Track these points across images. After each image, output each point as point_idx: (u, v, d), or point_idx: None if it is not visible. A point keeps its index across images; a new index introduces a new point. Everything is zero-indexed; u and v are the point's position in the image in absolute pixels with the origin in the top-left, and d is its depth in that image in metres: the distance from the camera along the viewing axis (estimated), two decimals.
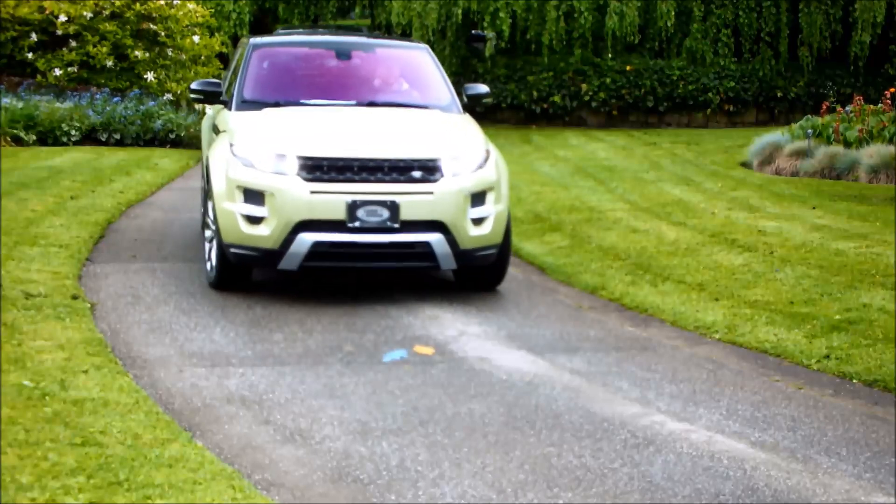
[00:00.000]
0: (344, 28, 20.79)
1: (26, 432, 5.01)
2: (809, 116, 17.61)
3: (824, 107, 17.81)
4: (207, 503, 4.42)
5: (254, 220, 7.80)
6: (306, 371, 6.48)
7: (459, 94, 9.34)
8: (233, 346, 6.96)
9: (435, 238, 7.84)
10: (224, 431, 5.46)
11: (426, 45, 9.85)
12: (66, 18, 18.74)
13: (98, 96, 18.20)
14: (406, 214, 7.77)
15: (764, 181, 15.01)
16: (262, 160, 7.86)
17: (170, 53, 19.97)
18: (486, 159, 8.22)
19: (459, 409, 5.87)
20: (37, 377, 5.82)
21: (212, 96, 9.12)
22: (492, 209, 8.15)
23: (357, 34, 11.05)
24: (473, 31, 23.95)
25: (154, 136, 17.60)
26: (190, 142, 17.96)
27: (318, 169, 7.77)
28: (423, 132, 8.46)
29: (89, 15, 18.85)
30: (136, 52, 19.27)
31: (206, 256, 8.53)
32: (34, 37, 19.01)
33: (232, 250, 7.94)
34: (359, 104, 8.91)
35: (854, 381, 6.60)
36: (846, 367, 6.76)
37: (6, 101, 17.33)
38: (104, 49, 18.87)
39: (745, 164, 17.01)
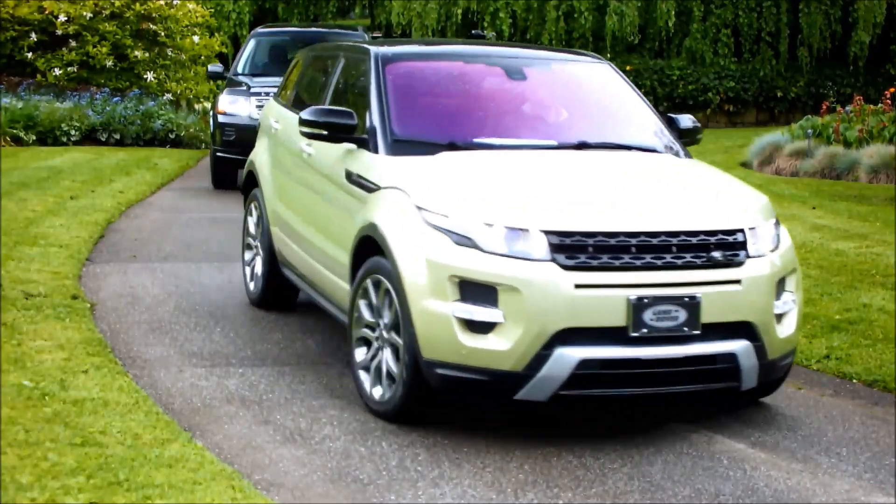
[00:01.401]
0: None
1: (26, 432, 5.01)
2: (809, 116, 17.63)
3: (824, 107, 17.82)
4: (207, 503, 4.42)
5: (481, 328, 5.25)
6: (306, 371, 6.48)
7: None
8: (233, 346, 6.96)
9: (741, 347, 5.46)
10: (224, 431, 5.46)
11: (605, 59, 7.48)
12: (66, 18, 18.75)
13: (98, 96, 18.22)
14: (708, 314, 5.38)
15: (764, 181, 15.01)
16: (487, 236, 5.29)
17: (170, 53, 19.99)
18: (779, 228, 5.94)
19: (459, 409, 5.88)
20: (37, 377, 5.82)
21: (340, 131, 6.31)
22: (792, 299, 5.83)
23: (481, 41, 9.14)
24: (473, 31, 23.95)
25: (154, 136, 17.61)
26: (190, 142, 17.97)
27: (582, 250, 5.26)
28: (698, 190, 6.11)
29: (89, 15, 18.86)
30: (136, 52, 19.29)
31: (362, 361, 5.88)
32: (34, 37, 19.02)
33: (440, 371, 5.33)
34: (562, 146, 6.41)
35: (854, 381, 6.60)
36: (846, 367, 6.75)
37: (6, 101, 17.35)
38: (104, 49, 18.89)
39: (746, 164, 17.03)
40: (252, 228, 8.16)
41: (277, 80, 14.20)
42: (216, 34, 22.67)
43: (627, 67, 24.30)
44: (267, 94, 12.92)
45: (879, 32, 24.11)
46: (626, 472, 5.07)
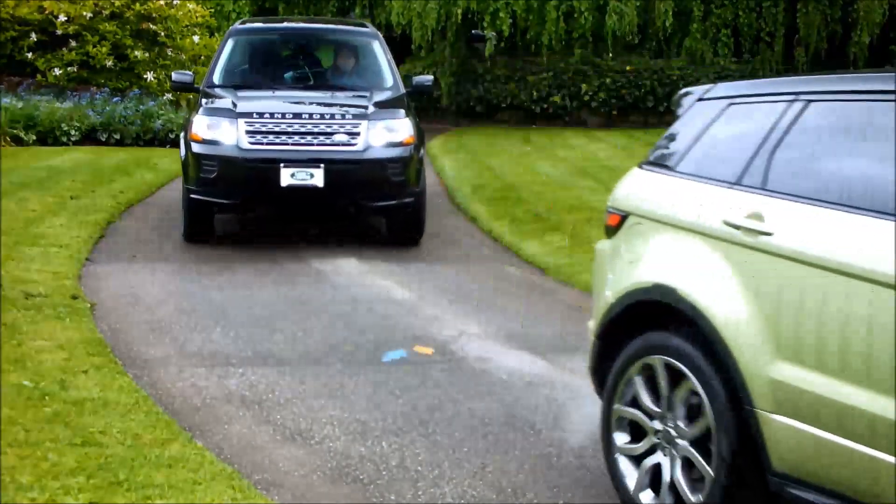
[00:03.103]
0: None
1: (26, 432, 5.02)
2: None
3: None
4: (207, 503, 4.42)
5: None
6: (306, 371, 6.48)
7: None
8: (233, 346, 6.96)
9: None
10: (224, 431, 5.46)
11: None
12: (66, 18, 18.75)
13: (98, 96, 18.22)
14: None
15: None
16: None
17: (170, 53, 19.99)
18: None
19: (459, 409, 5.88)
20: (37, 377, 5.82)
21: None
22: None
23: None
24: (473, 31, 23.97)
25: (154, 136, 17.60)
26: None
27: None
28: None
29: (89, 15, 18.86)
30: (136, 52, 19.29)
31: None
32: (34, 37, 19.02)
33: None
34: None
35: None
36: None
37: (6, 101, 17.34)
38: (104, 49, 18.89)
39: None
40: (650, 405, 4.46)
41: (269, 93, 10.71)
42: (216, 34, 22.65)
43: (627, 67, 24.31)
44: (261, 114, 9.78)
45: (878, 32, 24.13)
46: None
